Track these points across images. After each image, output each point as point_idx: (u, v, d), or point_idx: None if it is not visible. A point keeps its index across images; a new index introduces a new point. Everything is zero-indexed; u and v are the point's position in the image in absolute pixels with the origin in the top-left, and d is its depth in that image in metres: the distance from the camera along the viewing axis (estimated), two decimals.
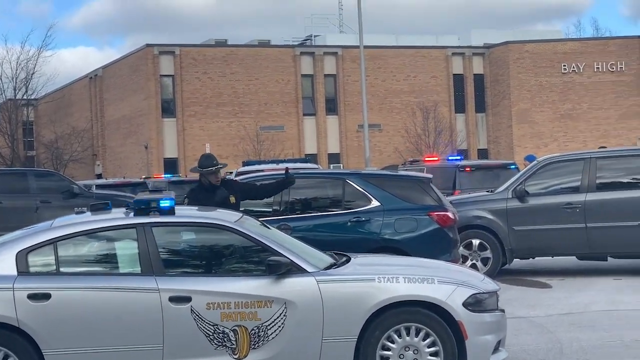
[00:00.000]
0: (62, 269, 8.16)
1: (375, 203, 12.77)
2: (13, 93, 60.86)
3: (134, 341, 7.99)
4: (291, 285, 8.18)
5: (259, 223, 9.11)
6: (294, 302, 8.12)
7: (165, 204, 8.47)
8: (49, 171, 28.67)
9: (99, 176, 58.30)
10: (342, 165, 56.22)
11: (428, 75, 60.77)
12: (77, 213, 9.09)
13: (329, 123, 58.64)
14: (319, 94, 58.24)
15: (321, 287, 8.18)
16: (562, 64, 59.96)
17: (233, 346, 8.08)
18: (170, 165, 52.95)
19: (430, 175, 13.77)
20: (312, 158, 48.55)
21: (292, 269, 8.22)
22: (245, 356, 8.10)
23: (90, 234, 8.39)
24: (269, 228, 9.07)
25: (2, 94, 60.81)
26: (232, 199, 10.83)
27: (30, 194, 23.85)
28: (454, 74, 61.54)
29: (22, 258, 8.11)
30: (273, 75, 56.53)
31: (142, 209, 8.43)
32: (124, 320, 7.98)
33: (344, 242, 12.03)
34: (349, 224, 12.67)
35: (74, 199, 24.08)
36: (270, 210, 12.80)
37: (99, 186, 27.95)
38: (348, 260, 8.92)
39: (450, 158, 26.53)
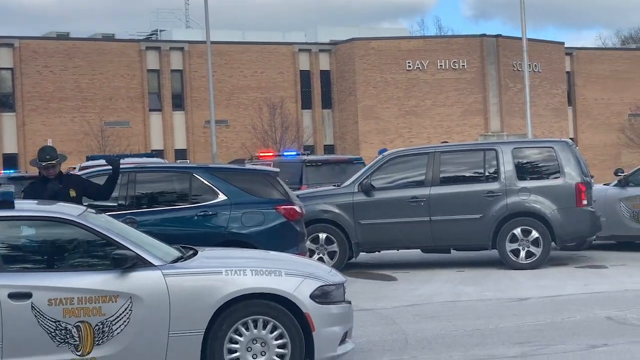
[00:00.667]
0: None
1: (222, 197, 12.70)
2: None
3: None
4: (137, 279, 8.04)
5: (104, 217, 8.91)
6: (139, 297, 7.98)
7: (3, 197, 8.19)
8: None
9: None
10: (188, 160, 55.80)
11: (275, 72, 60.87)
12: None
13: (175, 119, 58.08)
14: (166, 90, 57.61)
15: (167, 281, 8.07)
16: (407, 61, 60.98)
17: (76, 343, 7.88)
18: (10, 161, 51.43)
19: (277, 169, 13.78)
20: (158, 154, 47.99)
21: (137, 263, 8.08)
22: (89, 353, 7.92)
23: None
24: (112, 222, 8.88)
25: None
26: (73, 193, 10.58)
27: None
28: (300, 70, 61.82)
29: None
30: (118, 70, 55.60)
31: None
32: None
33: (191, 236, 11.90)
34: (195, 218, 12.57)
35: None
36: (116, 204, 12.56)
37: None
38: (195, 254, 8.83)
39: (286, 153, 26.68)
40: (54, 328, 7.84)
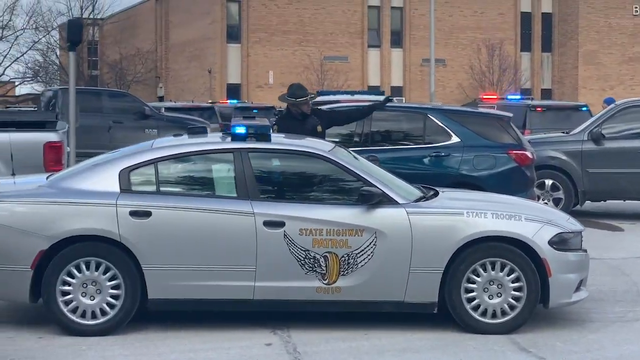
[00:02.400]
0: (162, 189, 8.43)
1: (455, 139, 12.89)
2: (79, 12, 61.28)
3: (227, 262, 8.26)
4: (382, 216, 8.39)
5: (350, 153, 9.29)
6: (383, 232, 8.33)
7: (263, 131, 8.69)
8: (123, 92, 29.08)
9: (161, 99, 58.80)
10: (404, 99, 56.10)
11: (495, 12, 60.11)
12: (175, 136, 9.35)
13: (393, 56, 58.42)
14: (385, 26, 57.96)
15: (411, 219, 8.38)
16: (634, 6, 58.95)
17: (323, 272, 8.32)
18: (233, 91, 53.19)
19: (510, 114, 13.84)
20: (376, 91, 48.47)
21: (383, 200, 8.42)
22: (334, 282, 8.34)
23: (189, 157, 8.65)
24: (357, 159, 9.25)
25: (69, 11, 61.28)
26: (319, 128, 11.01)
27: (103, 113, 24.22)
28: (521, 12, 60.81)
29: (124, 176, 8.38)
30: (340, 5, 56.28)
31: (239, 134, 8.64)
32: (219, 241, 8.24)
33: (422, 176, 12.15)
34: (428, 158, 12.82)
35: (145, 120, 24.47)
36: (351, 141, 12.96)
37: (168, 109, 28.27)
38: (436, 194, 9.09)
39: (509, 97, 26.43)
40: (304, 256, 8.30)
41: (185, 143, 8.83)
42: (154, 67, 62.33)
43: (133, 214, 8.20)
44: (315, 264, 8.30)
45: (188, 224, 8.25)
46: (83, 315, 8.23)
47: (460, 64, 58.84)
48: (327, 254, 8.31)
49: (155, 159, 8.51)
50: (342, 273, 8.34)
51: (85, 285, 8.21)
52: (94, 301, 8.23)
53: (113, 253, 8.20)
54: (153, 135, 23.96)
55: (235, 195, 8.41)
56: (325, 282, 8.34)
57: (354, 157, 9.21)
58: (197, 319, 8.66)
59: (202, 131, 9.25)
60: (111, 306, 8.25)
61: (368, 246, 8.33)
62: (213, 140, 9.03)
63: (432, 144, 12.96)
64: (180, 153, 8.62)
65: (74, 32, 17.25)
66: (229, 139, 8.80)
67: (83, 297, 8.22)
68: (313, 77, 53.29)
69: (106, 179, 8.38)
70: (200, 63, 56.50)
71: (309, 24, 55.66)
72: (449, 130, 12.95)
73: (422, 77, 56.84)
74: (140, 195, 8.33)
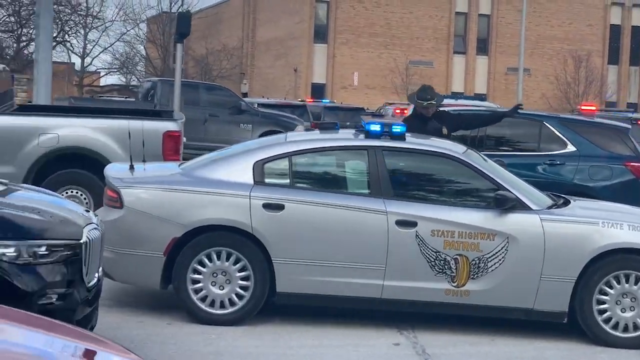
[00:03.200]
0: (295, 183, 8.43)
1: (570, 147, 12.72)
2: (169, 6, 61.89)
3: (358, 259, 8.23)
4: (515, 221, 8.29)
5: (481, 156, 9.20)
6: (516, 238, 8.23)
7: (397, 129, 8.65)
8: (219, 86, 29.20)
9: (245, 95, 59.08)
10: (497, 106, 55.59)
11: (584, 24, 59.42)
12: (306, 130, 9.35)
13: (478, 63, 58.07)
14: (471, 33, 57.65)
15: (544, 226, 8.26)
16: None
17: (452, 274, 8.25)
18: (318, 90, 53.29)
19: (629, 125, 13.63)
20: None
21: (516, 205, 8.33)
22: (464, 285, 8.26)
23: (324, 152, 8.64)
24: (488, 162, 9.16)
25: (158, 5, 61.92)
26: (445, 131, 10.94)
27: (200, 106, 24.36)
28: (611, 24, 60.02)
29: (258, 168, 8.40)
30: (427, 10, 56.10)
31: (375, 132, 8.61)
32: (350, 238, 8.21)
33: (535, 184, 12.00)
34: (542, 166, 12.67)
35: (241, 115, 24.58)
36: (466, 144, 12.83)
37: (260, 105, 28.37)
38: (567, 203, 8.97)
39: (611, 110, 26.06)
40: (434, 258, 8.24)
41: (320, 138, 8.83)
42: (239, 64, 62.66)
43: (266, 206, 8.21)
44: (446, 266, 8.24)
45: (320, 219, 8.23)
46: (212, 305, 8.26)
47: (544, 74, 58.27)
48: (457, 257, 8.24)
49: (289, 152, 8.51)
50: (471, 276, 8.26)
51: (215, 274, 8.25)
52: (223, 291, 8.26)
53: (244, 244, 8.22)
54: (247, 131, 24.07)
55: (367, 192, 8.39)
56: (455, 284, 8.26)
57: (486, 160, 9.12)
58: (320, 315, 8.64)
59: (332, 127, 9.24)
60: (240, 297, 8.27)
61: (499, 251, 8.24)
62: (347, 136, 9.02)
63: (547, 151, 12.81)
64: (315, 148, 8.61)
65: (183, 24, 17.45)
66: (362, 136, 8.77)
67: (213, 286, 8.25)
68: (398, 81, 53.21)
69: (240, 171, 8.40)
70: (286, 61, 56.71)
71: (396, 28, 55.54)
72: (564, 139, 12.79)
73: (506, 85, 56.42)
74: (273, 188, 8.34)
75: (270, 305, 8.47)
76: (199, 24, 68.01)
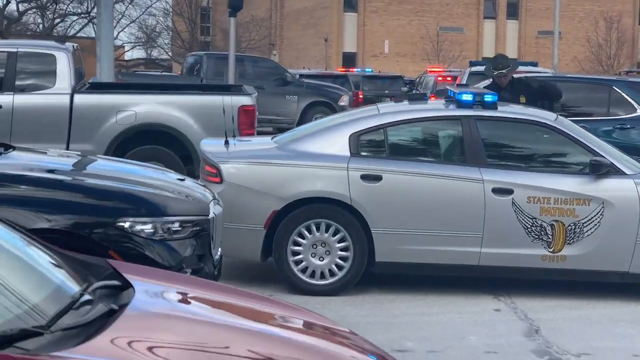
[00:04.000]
0: (391, 154, 8.55)
1: None
2: None
3: (455, 227, 8.35)
4: (610, 186, 8.38)
5: (572, 123, 9.27)
6: (611, 202, 8.32)
7: (489, 98, 8.74)
8: (265, 58, 29.33)
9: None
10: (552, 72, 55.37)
11: None
12: (396, 102, 9.45)
13: (508, 27, 57.89)
14: None
15: (639, 190, 8.34)
16: None
17: (549, 240, 8.35)
18: (349, 60, 53.29)
19: None
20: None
21: (611, 170, 8.41)
22: (560, 251, 8.37)
23: (418, 123, 8.74)
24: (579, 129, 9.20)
25: None
26: (523, 99, 11.00)
27: (245, 79, 24.42)
28: None
29: (354, 140, 8.51)
30: None
31: (467, 101, 8.70)
32: (447, 207, 8.33)
33: None
34: (611, 130, 12.72)
35: (286, 87, 24.68)
36: None
37: (302, 76, 28.44)
38: None
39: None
40: (530, 224, 8.34)
41: (412, 109, 8.92)
42: (268, 35, 62.66)
43: (364, 177, 8.33)
44: (542, 232, 8.34)
45: (417, 189, 8.35)
46: (312, 276, 8.41)
47: (575, 37, 58.04)
48: (553, 223, 8.34)
49: (384, 124, 8.61)
50: (567, 242, 8.36)
51: (315, 246, 8.38)
52: (323, 262, 8.40)
53: (343, 216, 8.35)
54: (293, 102, 24.19)
55: (463, 161, 8.49)
56: (551, 250, 8.37)
57: (578, 127, 9.18)
58: (414, 284, 8.77)
59: (421, 98, 9.35)
60: (339, 267, 8.41)
61: (595, 216, 8.34)
62: (438, 107, 9.12)
63: (616, 116, 12.85)
64: (409, 119, 8.71)
65: None
66: (452, 106, 8.86)
67: (312, 257, 8.39)
68: (429, 47, 53.13)
69: (336, 143, 8.51)
70: (315, 31, 56.67)
71: None
72: (634, 103, 12.82)
73: (537, 49, 56.20)
74: (370, 160, 8.45)
75: (368, 276, 8.60)
76: None
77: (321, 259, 8.40)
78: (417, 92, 28.32)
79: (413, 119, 8.71)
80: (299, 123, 22.04)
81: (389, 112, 8.91)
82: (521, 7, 57.66)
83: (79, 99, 11.78)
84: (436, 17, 55.14)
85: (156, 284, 3.74)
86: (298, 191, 8.33)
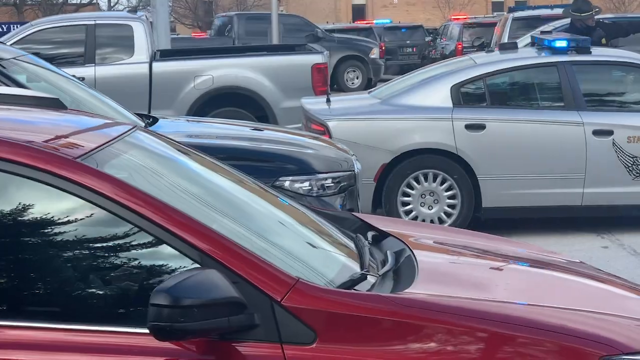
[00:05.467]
0: (492, 102, 8.83)
1: None
2: None
3: (557, 170, 8.65)
4: None
5: None
6: None
7: (582, 43, 9.01)
8: (295, 15, 29.41)
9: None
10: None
11: None
12: (487, 52, 9.70)
13: None
14: None
15: None
16: None
17: None
18: (358, 11, 53.25)
19: None
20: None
21: None
22: None
23: (515, 71, 9.01)
24: None
25: None
26: (604, 40, 11.26)
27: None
28: None
29: (455, 92, 8.79)
30: None
31: (561, 47, 8.96)
32: (549, 151, 8.63)
33: None
34: None
35: (318, 42, 24.81)
36: None
37: (327, 30, 28.52)
38: None
39: None
40: (632, 163, 8.64)
41: (508, 58, 9.18)
42: None
43: (468, 127, 8.62)
44: None
45: (519, 135, 8.64)
46: None
47: None
48: None
49: (483, 74, 8.88)
50: None
51: (423, 195, 8.69)
52: (432, 210, 8.72)
53: (449, 165, 8.65)
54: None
55: (562, 106, 8.77)
56: None
57: None
58: (516, 227, 9.05)
59: (512, 47, 9.60)
60: (448, 215, 8.72)
61: None
62: (532, 54, 9.37)
63: None
64: (507, 68, 8.98)
65: None
66: (546, 52, 9.12)
67: (422, 207, 8.71)
68: None
69: (438, 95, 8.79)
70: None
71: None
72: None
73: None
74: (473, 109, 8.74)
75: (475, 221, 8.89)
76: None
77: (430, 207, 8.71)
78: (441, 41, 28.53)
79: (511, 67, 8.98)
80: (331, 78, 22.21)
81: (486, 62, 9.16)
82: None
83: (158, 67, 12.04)
84: None
85: (417, 233, 4.01)
86: (405, 144, 8.62)
